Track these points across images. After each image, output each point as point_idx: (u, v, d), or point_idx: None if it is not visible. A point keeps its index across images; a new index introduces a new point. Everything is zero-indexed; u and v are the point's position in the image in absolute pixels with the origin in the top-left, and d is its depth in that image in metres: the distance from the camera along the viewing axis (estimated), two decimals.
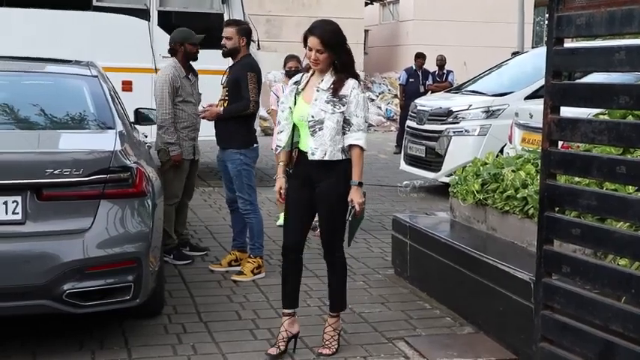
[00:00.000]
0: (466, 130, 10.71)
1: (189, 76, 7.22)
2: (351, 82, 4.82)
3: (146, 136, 7.32)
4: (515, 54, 18.29)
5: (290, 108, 4.91)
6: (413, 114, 11.90)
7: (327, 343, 5.03)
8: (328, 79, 4.83)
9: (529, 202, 5.58)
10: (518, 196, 5.74)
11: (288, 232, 5.12)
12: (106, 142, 5.20)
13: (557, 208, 3.90)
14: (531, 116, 8.81)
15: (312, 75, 4.95)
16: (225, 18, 10.74)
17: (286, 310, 5.09)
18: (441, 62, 17.71)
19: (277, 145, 5.02)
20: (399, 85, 17.90)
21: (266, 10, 27.28)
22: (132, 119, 6.69)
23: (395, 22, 33.03)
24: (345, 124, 4.79)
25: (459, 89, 12.72)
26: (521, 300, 4.89)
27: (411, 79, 17.14)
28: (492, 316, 5.32)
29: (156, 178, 5.53)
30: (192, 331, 5.43)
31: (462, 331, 5.58)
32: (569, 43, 3.93)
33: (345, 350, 5.14)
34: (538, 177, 5.50)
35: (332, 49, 4.76)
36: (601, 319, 3.56)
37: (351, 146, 4.82)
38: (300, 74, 5.08)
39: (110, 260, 4.81)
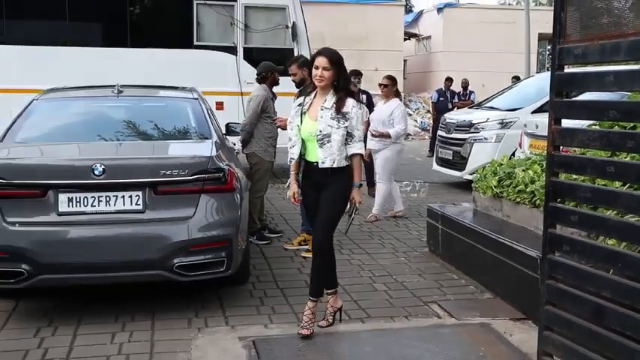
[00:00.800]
0: (485, 138, 10.60)
1: (272, 98, 7.35)
2: (350, 101, 4.60)
3: (234, 144, 7.40)
4: (515, 78, 18.07)
5: (298, 126, 4.64)
6: (443, 125, 11.83)
7: (326, 316, 4.80)
8: (330, 98, 4.58)
9: (536, 194, 5.52)
10: (527, 190, 5.68)
11: (312, 230, 4.95)
12: (204, 149, 5.26)
13: (559, 200, 3.86)
14: (537, 127, 8.72)
15: (314, 97, 4.68)
16: (295, 52, 10.82)
17: (312, 298, 4.72)
18: (465, 84, 17.61)
19: (291, 158, 4.72)
20: (431, 102, 17.80)
21: (326, 44, 27.22)
22: (224, 131, 6.77)
23: (428, 53, 32.80)
24: (348, 137, 4.58)
25: (479, 106, 12.60)
26: (529, 272, 4.85)
27: (441, 98, 17.11)
28: (507, 284, 5.28)
29: (242, 177, 5.59)
30: (272, 296, 5.48)
31: (483, 296, 5.54)
32: (568, 69, 3.88)
33: (391, 312, 5.14)
34: (543, 175, 5.47)
35: (336, 68, 4.54)
36: (594, 287, 3.52)
37: (353, 155, 4.63)
38: (303, 97, 4.78)
39: (208, 240, 4.86)
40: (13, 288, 4.84)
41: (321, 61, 4.54)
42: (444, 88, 17.38)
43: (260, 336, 4.60)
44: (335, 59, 4.56)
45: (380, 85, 8.77)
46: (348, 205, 4.70)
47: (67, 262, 4.63)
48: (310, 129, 4.60)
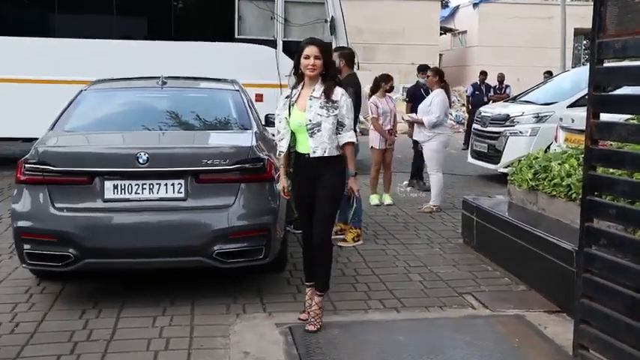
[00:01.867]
0: (520, 132, 10.44)
1: None
2: (339, 90, 4.49)
3: (274, 135, 7.38)
4: (547, 73, 17.77)
5: (286, 118, 4.52)
6: (478, 119, 11.70)
7: (312, 320, 4.49)
8: (319, 87, 4.46)
9: (572, 188, 5.41)
10: (563, 183, 5.57)
11: (303, 224, 4.73)
12: (244, 139, 5.26)
13: (596, 193, 3.78)
14: (573, 121, 8.58)
15: (302, 88, 4.54)
16: (334, 45, 10.76)
17: (308, 283, 4.70)
18: (501, 78, 17.39)
19: (280, 151, 4.60)
20: (466, 96, 17.62)
21: (364, 39, 27.21)
22: (263, 122, 6.76)
23: (463, 47, 32.52)
24: (339, 126, 4.46)
25: (514, 99, 12.46)
26: (565, 265, 4.75)
27: (476, 92, 16.95)
28: (542, 277, 5.18)
29: None
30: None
31: (517, 288, 5.45)
32: (607, 63, 3.78)
33: (426, 302, 5.09)
34: (580, 168, 5.36)
35: (325, 57, 4.44)
36: (631, 281, 3.45)
37: (345, 144, 4.50)
38: (290, 90, 4.63)
39: (247, 228, 4.85)
40: (60, 271, 4.90)
41: (313, 50, 4.41)
42: (478, 82, 17.18)
43: (297, 323, 4.58)
44: (324, 49, 4.49)
45: (426, 76, 8.91)
46: (351, 196, 4.64)
47: (111, 247, 4.68)
48: (299, 119, 4.47)
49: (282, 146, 4.57)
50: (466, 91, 18.48)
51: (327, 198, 4.49)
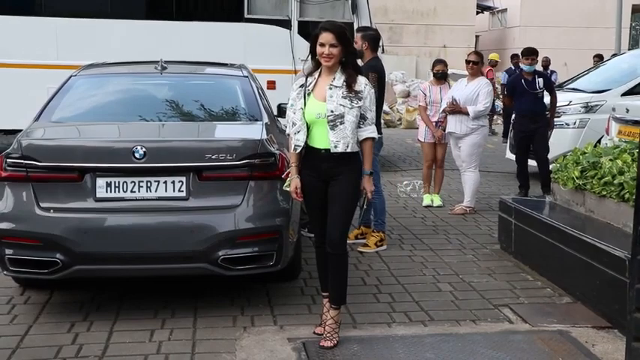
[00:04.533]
0: (566, 124, 10.34)
1: None
2: (362, 79, 4.51)
3: (285, 127, 7.39)
4: (597, 57, 17.65)
5: (302, 109, 4.49)
6: None
7: (327, 335, 4.49)
8: (339, 76, 4.46)
9: (625, 187, 5.37)
10: (615, 182, 5.53)
11: (315, 228, 4.78)
12: (254, 132, 5.26)
13: None
14: (627, 111, 8.51)
15: (319, 76, 4.53)
16: (355, 26, 10.75)
17: (324, 293, 4.69)
18: (546, 63, 17.32)
19: (296, 145, 4.52)
20: (501, 84, 17.54)
21: (389, 19, 27.21)
22: (275, 113, 6.78)
23: (503, 28, 32.39)
24: (361, 119, 4.47)
25: (560, 87, 12.34)
26: (616, 274, 4.71)
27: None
28: (589, 288, 5.15)
29: None
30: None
31: (561, 300, 5.42)
32: None
33: (457, 315, 5.08)
34: (634, 165, 5.32)
35: (343, 44, 4.41)
36: None
37: (364, 139, 4.51)
38: (304, 77, 4.61)
39: (257, 232, 4.86)
40: (46, 279, 4.94)
41: (328, 37, 4.39)
42: (513, 67, 17.14)
43: (311, 338, 4.59)
44: (341, 34, 4.43)
45: (468, 62, 8.68)
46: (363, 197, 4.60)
47: (104, 252, 4.70)
48: (318, 110, 4.44)
49: (300, 140, 4.53)
50: (500, 78, 18.39)
51: (343, 198, 4.49)
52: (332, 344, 4.44)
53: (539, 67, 17.17)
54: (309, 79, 4.56)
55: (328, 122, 4.42)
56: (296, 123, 4.55)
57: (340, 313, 4.61)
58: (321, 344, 4.44)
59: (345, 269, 4.62)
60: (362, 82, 4.50)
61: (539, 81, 9.02)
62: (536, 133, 8.92)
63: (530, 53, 9.18)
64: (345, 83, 4.44)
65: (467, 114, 8.33)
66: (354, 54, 4.61)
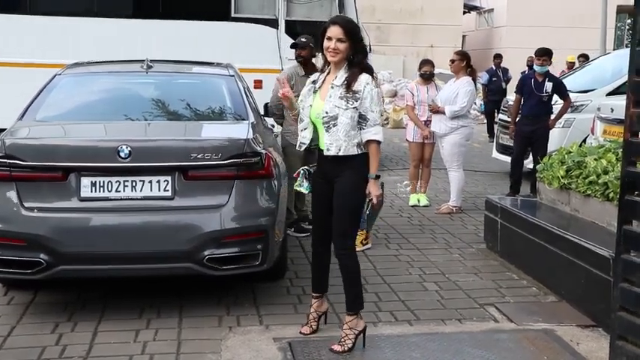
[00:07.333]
0: None
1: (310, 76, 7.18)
2: (364, 78, 4.28)
3: (273, 126, 7.39)
4: (582, 57, 17.59)
5: (310, 106, 4.42)
6: (505, 108, 11.67)
7: (341, 340, 4.37)
8: (342, 74, 4.30)
9: (610, 186, 5.39)
10: (599, 181, 5.55)
11: (314, 228, 4.70)
12: (240, 131, 5.23)
13: (636, 192, 3.76)
14: (612, 110, 8.55)
15: (328, 73, 4.41)
16: None
17: (314, 294, 4.67)
18: (531, 63, 17.33)
19: (301, 142, 4.49)
20: (482, 85, 17.55)
21: (377, 18, 27.24)
22: (262, 112, 6.77)
23: (489, 28, 32.50)
24: (362, 120, 4.26)
25: None
26: (600, 273, 4.74)
27: (493, 78, 17.16)
28: (574, 287, 5.17)
29: (281, 162, 5.58)
30: (310, 294, 5.44)
31: (546, 299, 5.44)
32: None
33: (442, 314, 5.09)
34: (618, 165, 5.34)
35: (352, 40, 4.25)
36: None
37: (368, 141, 4.30)
38: (318, 73, 4.54)
39: (242, 231, 4.85)
40: (30, 279, 4.91)
41: (335, 31, 4.25)
42: (494, 67, 17.25)
43: (297, 337, 4.58)
44: (350, 29, 4.28)
45: (450, 60, 8.72)
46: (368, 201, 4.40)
47: (88, 252, 4.67)
48: (318, 110, 4.37)
49: (305, 137, 4.47)
50: (480, 78, 18.44)
51: (340, 199, 4.37)
52: (341, 349, 4.33)
53: (524, 67, 17.31)
54: (320, 76, 4.49)
55: (323, 124, 4.34)
56: (303, 119, 4.49)
57: (357, 318, 4.44)
58: (331, 347, 4.36)
59: (353, 273, 4.46)
60: (362, 82, 4.28)
61: (548, 85, 8.91)
62: (535, 134, 8.92)
63: (544, 54, 9.04)
64: (345, 82, 4.31)
65: (443, 112, 8.40)
66: (363, 52, 4.40)
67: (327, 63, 4.43)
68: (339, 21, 4.35)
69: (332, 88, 4.33)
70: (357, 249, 6.51)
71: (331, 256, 4.60)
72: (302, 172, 4.60)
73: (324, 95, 4.37)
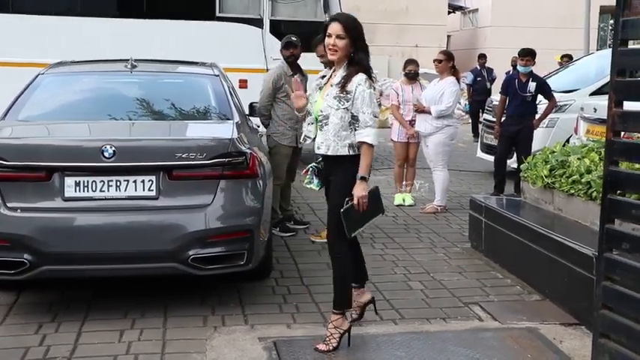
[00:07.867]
0: None
1: (301, 76, 7.13)
2: (357, 78, 4.22)
3: (258, 126, 7.38)
4: (566, 57, 17.67)
5: (316, 102, 4.42)
6: (489, 108, 11.71)
7: (326, 339, 4.37)
8: (341, 73, 4.29)
9: (592, 186, 5.42)
10: (583, 180, 5.58)
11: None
12: (225, 131, 5.23)
13: (618, 191, 3.78)
14: (595, 110, 8.60)
15: (333, 71, 4.41)
16: None
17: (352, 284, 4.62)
18: (515, 63, 17.40)
19: (306, 136, 4.50)
20: (466, 84, 17.61)
21: (362, 18, 27.12)
22: (247, 112, 6.76)
23: (474, 28, 32.58)
24: (354, 121, 4.23)
25: None
26: (583, 272, 4.77)
27: (478, 78, 17.23)
28: (557, 285, 5.20)
29: (266, 162, 5.58)
30: (296, 293, 5.46)
31: (530, 298, 5.46)
32: (633, 45, 3.79)
33: (427, 313, 5.10)
34: (601, 164, 5.37)
35: (352, 38, 4.22)
36: None
37: (359, 143, 4.26)
38: (327, 69, 4.54)
39: (227, 231, 4.85)
40: (14, 279, 4.88)
41: (335, 27, 4.22)
42: (479, 67, 17.30)
43: (282, 337, 4.58)
44: (351, 26, 4.25)
45: (434, 60, 8.72)
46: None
47: (72, 252, 4.65)
48: (317, 108, 4.39)
49: (310, 131, 4.48)
50: (464, 79, 18.48)
51: (330, 205, 4.39)
52: (326, 348, 4.33)
53: (508, 67, 17.38)
54: (328, 72, 4.49)
55: (318, 122, 4.37)
56: (311, 114, 4.48)
57: (342, 318, 4.42)
58: (315, 346, 4.36)
59: (339, 271, 4.44)
60: (355, 82, 4.24)
61: (532, 85, 8.94)
62: (519, 134, 8.95)
63: (527, 54, 9.07)
64: (341, 82, 4.29)
65: (429, 112, 8.41)
66: (365, 50, 4.34)
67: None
68: (339, 18, 4.37)
69: (331, 86, 4.35)
70: (322, 240, 6.42)
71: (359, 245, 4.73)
72: (311, 168, 4.53)
73: (324, 93, 4.40)
